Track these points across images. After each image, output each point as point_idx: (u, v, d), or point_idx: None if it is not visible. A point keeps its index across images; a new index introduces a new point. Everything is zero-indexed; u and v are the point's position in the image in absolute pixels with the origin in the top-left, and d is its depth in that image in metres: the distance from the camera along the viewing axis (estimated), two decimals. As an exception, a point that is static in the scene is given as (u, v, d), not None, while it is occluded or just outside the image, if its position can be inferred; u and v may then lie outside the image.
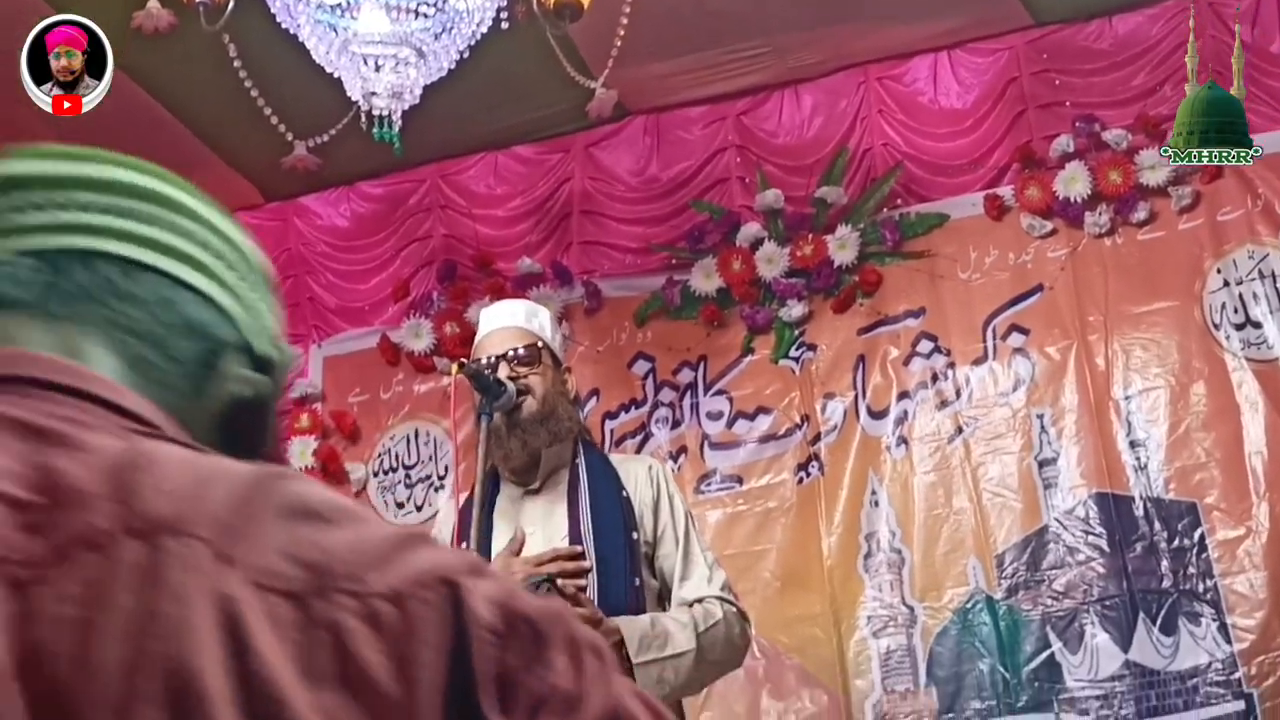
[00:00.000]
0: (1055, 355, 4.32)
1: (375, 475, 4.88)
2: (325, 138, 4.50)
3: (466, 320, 4.73)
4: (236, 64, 4.06)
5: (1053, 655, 4.04)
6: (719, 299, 4.65)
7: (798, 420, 4.49)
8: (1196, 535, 4.01)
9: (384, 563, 0.65)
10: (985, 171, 4.54)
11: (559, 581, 2.55)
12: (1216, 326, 4.19)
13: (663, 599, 2.79)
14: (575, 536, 2.72)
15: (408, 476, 4.86)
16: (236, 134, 4.65)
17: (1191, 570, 3.99)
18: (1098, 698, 3.96)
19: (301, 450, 4.86)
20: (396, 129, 3.64)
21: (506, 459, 2.79)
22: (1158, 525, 4.05)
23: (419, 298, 4.96)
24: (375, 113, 3.59)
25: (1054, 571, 4.11)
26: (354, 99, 3.59)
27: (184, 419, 0.77)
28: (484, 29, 3.55)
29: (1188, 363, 4.18)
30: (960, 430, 4.33)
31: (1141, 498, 4.10)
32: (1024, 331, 4.37)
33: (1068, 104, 4.48)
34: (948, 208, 4.54)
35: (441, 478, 4.79)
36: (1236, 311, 4.19)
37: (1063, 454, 4.22)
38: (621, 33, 3.93)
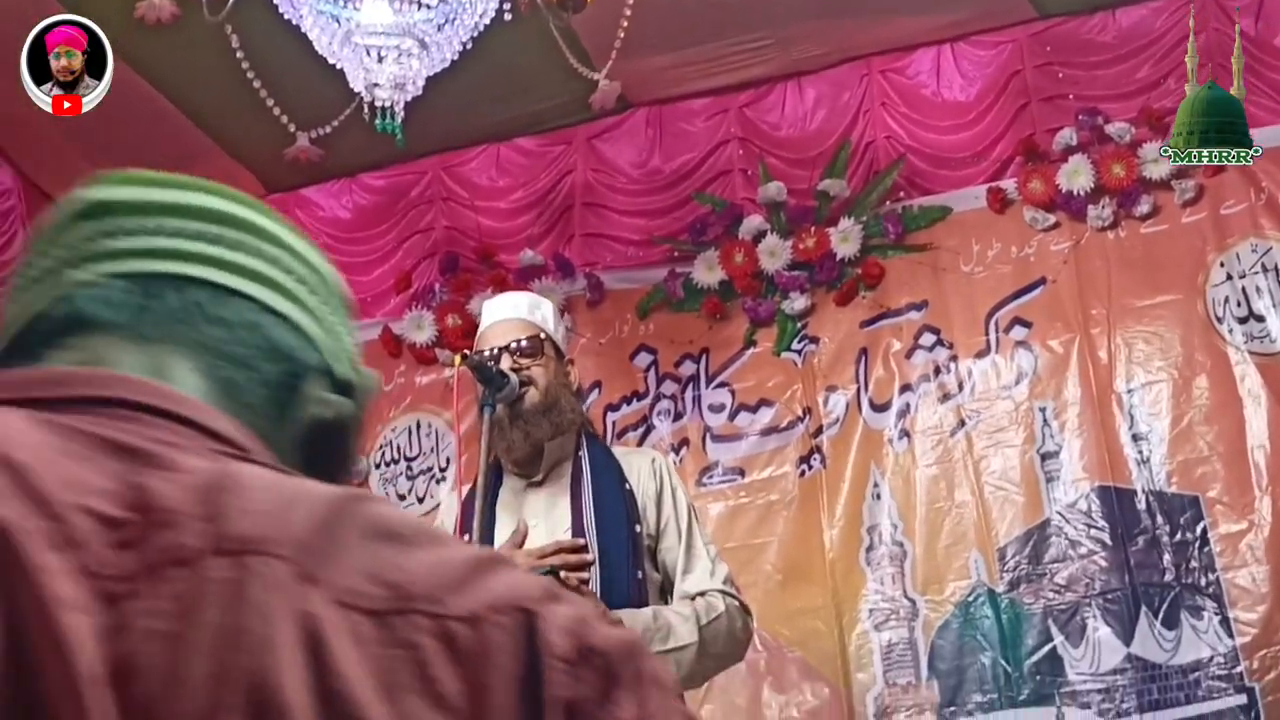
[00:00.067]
0: (1058, 348, 4.31)
1: (377, 467, 4.87)
2: (327, 129, 4.51)
3: (469, 312, 4.72)
4: (239, 55, 4.07)
5: (1054, 649, 4.03)
6: (721, 291, 4.65)
7: (800, 413, 4.49)
8: (1199, 529, 4.01)
9: (462, 585, 0.66)
10: (988, 164, 4.53)
11: (562, 574, 2.55)
12: (1219, 320, 4.19)
13: (665, 592, 2.79)
14: (578, 529, 2.72)
15: (409, 468, 4.85)
16: (238, 125, 4.64)
17: (1194, 564, 3.99)
18: (1099, 691, 3.96)
19: (303, 442, 4.85)
20: (399, 120, 3.64)
21: (509, 451, 2.79)
22: (1160, 519, 4.05)
23: (421, 289, 4.95)
24: (377, 104, 3.59)
25: (1056, 565, 4.11)
26: (356, 90, 3.59)
27: (268, 440, 0.79)
28: (487, 20, 3.55)
29: (1190, 356, 4.18)
30: (962, 423, 4.32)
31: (1144, 491, 4.09)
32: (1026, 325, 4.37)
33: (1071, 97, 4.47)
34: (950, 200, 4.53)
35: (443, 470, 4.79)
36: (1239, 305, 4.18)
37: (1065, 447, 4.22)
38: (624, 25, 3.93)
